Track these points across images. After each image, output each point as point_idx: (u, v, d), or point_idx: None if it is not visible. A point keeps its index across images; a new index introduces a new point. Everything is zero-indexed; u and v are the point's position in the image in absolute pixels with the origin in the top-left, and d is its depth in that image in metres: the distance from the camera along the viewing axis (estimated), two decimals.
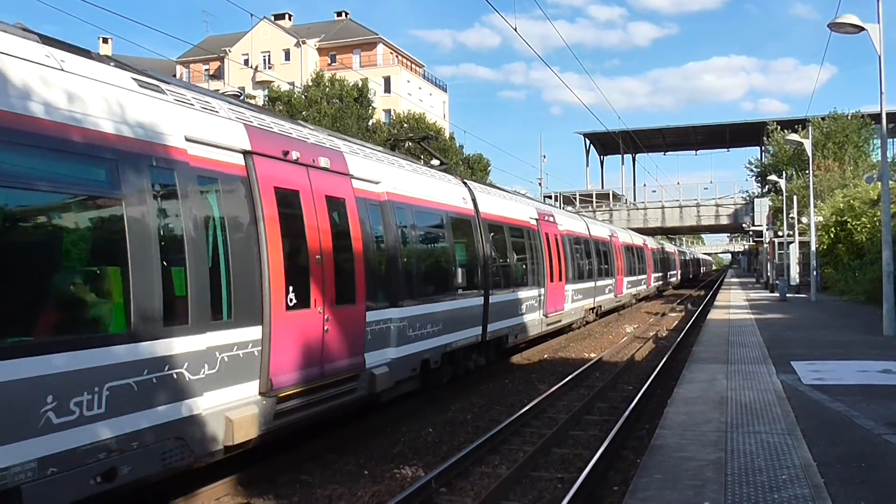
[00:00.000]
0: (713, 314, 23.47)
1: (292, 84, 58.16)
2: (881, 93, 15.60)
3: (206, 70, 79.84)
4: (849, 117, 53.34)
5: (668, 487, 5.57)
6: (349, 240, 9.36)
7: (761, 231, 47.30)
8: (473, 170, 61.18)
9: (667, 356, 16.94)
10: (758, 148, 70.74)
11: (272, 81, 61.98)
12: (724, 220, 64.59)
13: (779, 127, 56.69)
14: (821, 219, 35.43)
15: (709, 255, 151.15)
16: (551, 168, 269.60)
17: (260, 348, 7.52)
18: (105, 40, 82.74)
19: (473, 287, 13.74)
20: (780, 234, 41.52)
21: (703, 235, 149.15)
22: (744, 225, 57.26)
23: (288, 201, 8.21)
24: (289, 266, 7.99)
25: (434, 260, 12.70)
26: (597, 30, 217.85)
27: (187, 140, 6.90)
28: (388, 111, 70.00)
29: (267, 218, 7.71)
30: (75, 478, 5.47)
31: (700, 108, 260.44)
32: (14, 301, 5.20)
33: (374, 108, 55.82)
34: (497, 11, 21.25)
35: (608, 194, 69.80)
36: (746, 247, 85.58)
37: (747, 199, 62.10)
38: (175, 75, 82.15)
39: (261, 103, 71.65)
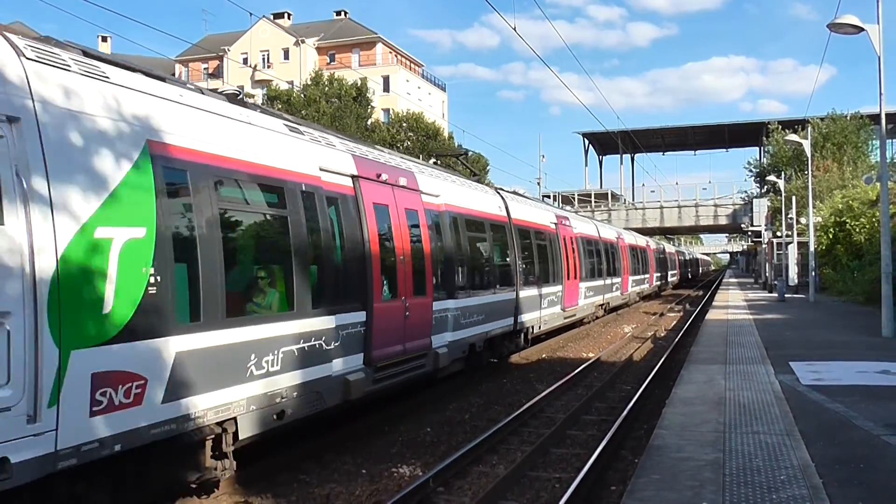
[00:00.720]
0: (711, 314, 23.47)
1: (291, 83, 58.13)
2: (880, 93, 15.61)
3: (204, 69, 79.80)
4: (848, 118, 53.38)
5: (667, 488, 5.57)
6: (421, 243, 11.44)
7: (760, 231, 47.38)
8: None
9: (665, 356, 16.94)
10: (757, 148, 70.83)
11: (271, 80, 61.97)
12: (723, 221, 64.59)
13: (780, 126, 56.69)
14: (819, 219, 35.45)
15: (707, 255, 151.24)
16: (550, 168, 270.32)
17: (364, 329, 9.48)
18: (104, 38, 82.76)
19: (508, 283, 15.87)
20: (778, 234, 41.57)
21: (701, 235, 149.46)
22: (742, 225, 57.29)
23: (381, 214, 10.26)
24: (383, 265, 10.09)
25: (479, 260, 14.79)
26: (596, 30, 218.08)
27: (320, 170, 8.97)
28: (386, 110, 69.98)
29: (369, 227, 9.73)
30: (265, 414, 7.64)
31: (699, 108, 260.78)
32: (232, 288, 7.24)
33: (372, 108, 55.86)
34: (496, 11, 21.27)
35: (607, 194, 69.73)
36: (745, 247, 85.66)
37: (746, 199, 62.10)
38: (174, 74, 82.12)
39: (259, 102, 71.68)
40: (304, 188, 8.49)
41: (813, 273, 30.64)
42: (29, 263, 5.18)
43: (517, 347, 17.09)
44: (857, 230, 32.58)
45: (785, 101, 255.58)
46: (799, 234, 37.11)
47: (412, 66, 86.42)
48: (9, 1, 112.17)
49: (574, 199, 66.12)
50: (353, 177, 9.71)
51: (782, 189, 40.54)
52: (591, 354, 18.79)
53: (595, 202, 66.93)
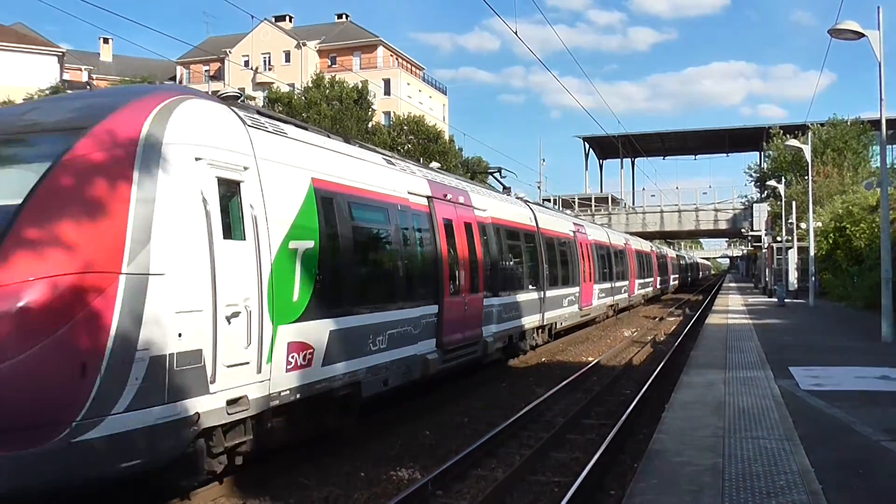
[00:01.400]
0: (711, 319, 23.46)
1: (292, 86, 58.19)
2: (881, 99, 15.59)
3: (206, 71, 79.85)
4: (848, 124, 53.38)
5: (666, 492, 5.55)
6: (475, 250, 13.67)
7: (760, 236, 47.38)
8: (473, 173, 61.20)
9: (665, 361, 16.92)
10: (757, 153, 70.82)
11: (272, 83, 62.06)
12: (723, 225, 64.58)
13: (781, 131, 56.67)
14: (819, 224, 35.44)
15: (707, 259, 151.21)
16: (550, 172, 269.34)
17: (437, 319, 11.79)
18: (105, 40, 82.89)
19: (536, 284, 18.27)
20: (778, 239, 41.56)
21: (701, 240, 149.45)
22: (742, 230, 57.28)
23: (448, 226, 12.67)
24: (450, 268, 12.43)
25: (516, 264, 16.98)
26: (596, 34, 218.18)
27: (408, 193, 11.44)
28: (387, 113, 70.02)
29: (440, 237, 12.15)
30: (377, 380, 9.96)
31: (699, 113, 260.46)
32: (361, 284, 9.90)
33: (373, 111, 55.89)
34: (497, 15, 21.23)
35: (607, 198, 69.81)
36: (745, 252, 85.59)
37: (746, 204, 62.08)
38: (175, 76, 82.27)
39: (260, 104, 71.70)
40: (399, 207, 11.07)
41: (813, 278, 30.63)
42: (257, 267, 7.43)
43: (543, 341, 19.43)
44: (857, 235, 32.54)
45: (785, 106, 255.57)
46: (799, 239, 37.11)
47: (413, 69, 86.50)
48: (10, 1, 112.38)
49: (574, 202, 66.16)
50: (428, 197, 12.17)
51: (782, 194, 40.51)
52: (590, 358, 18.78)
53: (595, 206, 66.99)
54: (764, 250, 46.08)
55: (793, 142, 32.50)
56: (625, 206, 70.68)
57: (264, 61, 79.51)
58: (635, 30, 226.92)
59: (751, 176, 65.39)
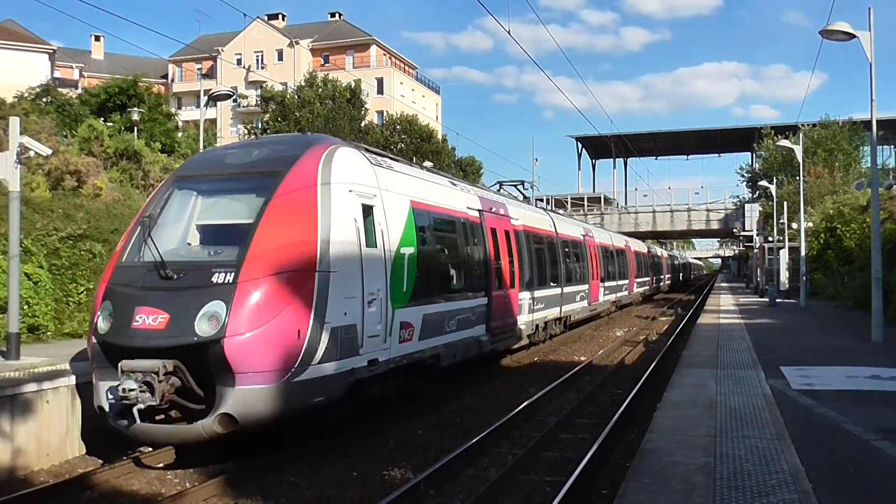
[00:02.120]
0: (703, 318, 23.51)
1: (285, 84, 58.00)
2: (872, 100, 15.61)
3: (198, 69, 79.57)
4: (839, 124, 53.60)
5: (658, 492, 5.57)
6: (512, 253, 16.64)
7: (751, 236, 47.48)
8: (466, 172, 61.13)
9: (657, 360, 16.97)
10: (749, 153, 71.06)
11: (265, 81, 61.85)
12: (715, 225, 64.73)
13: (773, 132, 56.84)
14: (811, 224, 35.58)
15: (699, 259, 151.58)
16: (543, 171, 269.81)
17: (486, 309, 14.62)
18: (97, 38, 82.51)
19: (557, 282, 21.08)
20: (770, 239, 41.66)
21: (693, 240, 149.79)
22: (734, 230, 57.48)
23: (493, 234, 15.50)
24: (496, 267, 15.30)
25: (541, 263, 19.45)
26: (589, 34, 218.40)
27: (467, 208, 14.46)
28: (380, 112, 69.96)
29: (488, 242, 15.07)
30: (449, 354, 12.77)
31: (692, 113, 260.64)
32: (440, 279, 12.66)
33: (366, 110, 55.81)
34: (490, 14, 21.28)
35: (600, 198, 69.79)
36: (736, 252, 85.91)
37: (738, 204, 62.25)
38: (167, 74, 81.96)
39: (253, 103, 71.47)
40: (462, 220, 14.05)
41: (804, 278, 30.72)
42: (384, 266, 10.33)
43: (560, 331, 22.32)
44: (848, 236, 32.67)
45: (777, 106, 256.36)
46: (790, 240, 37.22)
47: (406, 68, 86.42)
48: None
49: (567, 202, 66.18)
50: (479, 211, 15.07)
51: (774, 194, 40.62)
52: (582, 358, 18.82)
53: (588, 206, 66.97)
54: (755, 250, 46.22)
55: (784, 142, 32.57)
56: (617, 206, 70.68)
57: (257, 60, 79.28)
58: (628, 30, 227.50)
59: (742, 176, 65.69)
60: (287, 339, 8.44)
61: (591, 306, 26.55)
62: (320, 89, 50.81)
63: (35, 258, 14.95)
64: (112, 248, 17.87)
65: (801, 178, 32.63)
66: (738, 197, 65.27)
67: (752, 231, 47.37)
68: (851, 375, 11.05)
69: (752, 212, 48.46)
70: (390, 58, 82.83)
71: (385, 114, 66.50)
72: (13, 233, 11.34)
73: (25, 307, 13.40)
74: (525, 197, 23.92)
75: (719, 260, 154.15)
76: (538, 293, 18.75)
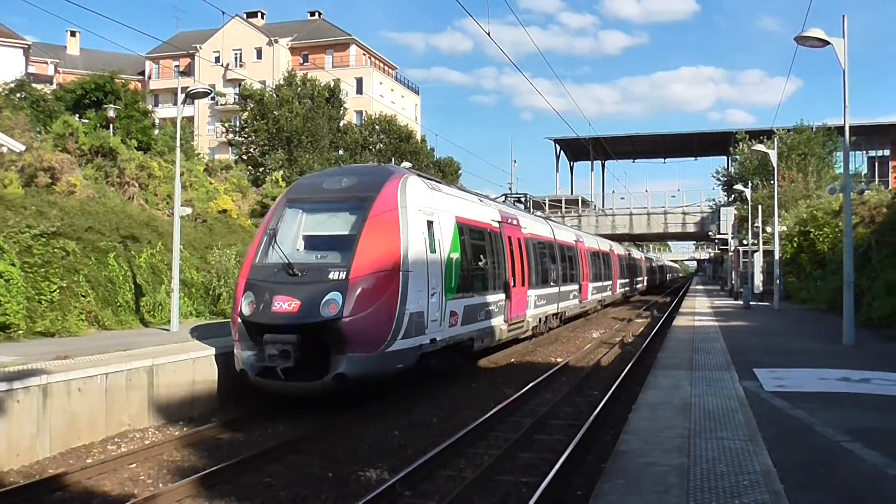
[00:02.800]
0: (678, 321, 23.69)
1: (263, 83, 57.64)
2: (845, 106, 15.83)
3: (175, 66, 78.85)
4: (813, 129, 54.24)
5: (632, 492, 5.60)
6: (523, 257, 19.64)
7: (727, 239, 47.92)
8: (444, 173, 61.13)
9: (632, 362, 17.07)
10: (725, 157, 71.64)
11: (243, 79, 61.41)
12: (691, 228, 65.18)
13: (747, 136, 57.40)
14: (784, 228, 35.97)
15: (675, 262, 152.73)
16: (522, 173, 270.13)
17: (504, 303, 17.62)
18: (73, 34, 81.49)
19: (555, 282, 24.28)
20: (744, 242, 42.06)
21: (669, 242, 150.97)
22: (710, 233, 57.92)
23: (510, 241, 18.57)
24: (511, 269, 18.28)
25: (543, 266, 22.66)
26: (568, 37, 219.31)
27: (491, 220, 17.44)
28: (359, 112, 69.73)
29: (506, 249, 18.04)
30: (480, 337, 15.72)
31: (669, 116, 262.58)
32: (474, 277, 15.62)
33: (345, 109, 55.59)
34: (470, 15, 21.42)
35: (577, 200, 70.07)
36: (712, 254, 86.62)
37: (714, 207, 62.74)
38: (144, 71, 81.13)
39: (231, 101, 70.91)
40: (488, 230, 17.15)
41: (777, 281, 31.04)
42: (440, 267, 13.26)
43: (556, 325, 25.41)
44: (821, 239, 33.11)
45: (752, 111, 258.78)
46: (765, 243, 37.59)
47: (386, 68, 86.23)
48: None
49: (545, 204, 66.34)
50: (499, 222, 18.11)
51: (749, 198, 41.01)
52: (559, 359, 18.89)
53: (566, 208, 67.18)
54: (730, 253, 46.63)
55: (759, 147, 32.98)
56: (595, 208, 70.95)
57: (235, 58, 78.69)
58: (607, 33, 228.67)
59: (718, 180, 66.16)
60: (383, 321, 11.56)
61: (582, 304, 29.78)
62: (299, 88, 50.51)
63: (7, 256, 14.74)
64: (85, 247, 17.74)
65: (776, 182, 32.97)
66: (713, 200, 65.78)
67: (727, 234, 47.82)
68: (822, 377, 11.18)
69: (728, 215, 48.92)
70: (370, 58, 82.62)
71: (364, 113, 66.28)
72: None
73: None
74: (526, 207, 27.96)
75: (695, 262, 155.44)
76: (541, 291, 21.86)
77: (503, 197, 25.00)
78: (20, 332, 14.29)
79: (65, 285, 15.92)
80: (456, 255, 14.32)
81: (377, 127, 56.75)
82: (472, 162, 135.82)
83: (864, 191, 34.06)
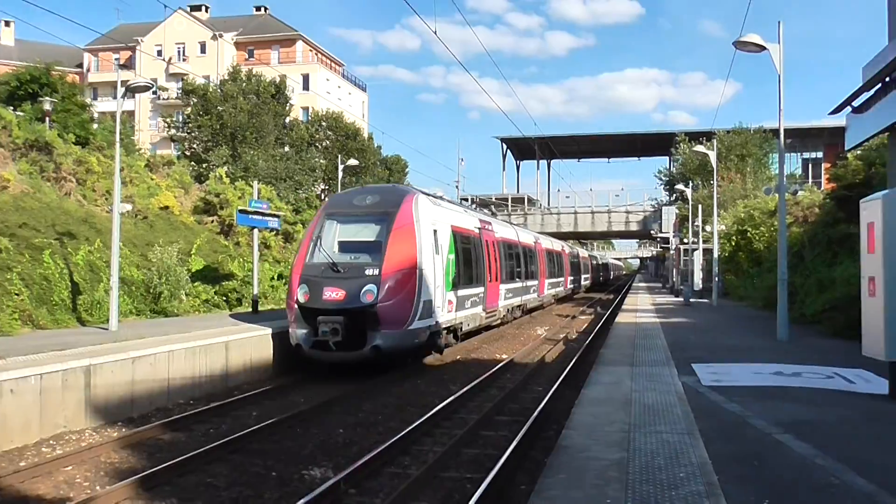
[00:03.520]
0: (621, 317, 24.09)
1: (207, 78, 56.55)
2: (780, 109, 16.29)
3: (116, 59, 76.78)
4: (751, 131, 55.68)
5: (573, 487, 5.69)
6: (495, 257, 23.13)
7: (668, 238, 48.92)
8: (392, 171, 60.92)
9: (576, 358, 17.31)
10: (667, 158, 73.10)
11: (186, 74, 60.16)
12: (634, 227, 66.39)
13: (686, 138, 58.61)
14: (723, 227, 36.84)
15: (619, 259, 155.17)
16: (469, 171, 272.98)
17: (482, 295, 21.14)
18: (7, 23, 78.76)
19: (519, 278, 28.23)
20: (685, 241, 42.96)
21: (613, 241, 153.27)
22: (652, 231, 59.05)
23: (487, 244, 22.00)
24: (488, 267, 21.82)
25: (510, 264, 26.35)
26: (515, 37, 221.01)
27: (473, 227, 21.06)
28: (306, 109, 69.05)
29: (484, 250, 21.50)
30: (465, 323, 19.66)
31: (613, 117, 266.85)
32: (462, 274, 19.14)
33: (291, 105, 54.91)
34: (417, 14, 21.34)
35: (524, 199, 70.73)
36: (654, 252, 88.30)
37: (656, 206, 64.00)
38: (82, 63, 78.86)
39: (174, 96, 69.47)
40: (472, 235, 20.60)
41: (716, 279, 31.80)
42: (443, 266, 17.18)
43: (521, 315, 29.51)
44: (758, 238, 33.99)
45: (694, 113, 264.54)
46: (704, 241, 38.49)
47: (333, 65, 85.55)
48: None
49: (492, 203, 66.68)
50: (479, 228, 21.81)
51: (690, 198, 41.92)
52: (504, 356, 19.03)
53: (512, 206, 67.75)
54: (672, 252, 47.59)
55: (699, 148, 33.69)
56: (541, 207, 71.77)
57: (178, 51, 77.08)
58: (553, 34, 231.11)
59: (661, 180, 67.67)
60: (407, 306, 15.29)
61: (540, 298, 33.83)
62: (244, 84, 49.72)
63: None
64: (19, 244, 17.20)
65: (715, 182, 33.78)
66: (656, 200, 67.19)
67: (668, 233, 48.80)
68: (757, 372, 11.51)
69: (669, 214, 49.92)
70: (317, 54, 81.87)
71: (311, 110, 65.61)
72: None
73: None
74: (492, 213, 34.24)
75: (638, 261, 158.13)
76: (509, 286, 25.75)
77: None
78: None
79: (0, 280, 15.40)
80: (452, 257, 18.14)
81: (324, 124, 56.21)
82: (419, 160, 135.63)
83: (798, 191, 35.09)
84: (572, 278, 48.49)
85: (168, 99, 72.37)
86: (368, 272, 15.07)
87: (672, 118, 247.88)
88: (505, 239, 25.81)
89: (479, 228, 21.67)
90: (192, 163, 44.40)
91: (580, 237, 78.79)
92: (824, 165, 62.57)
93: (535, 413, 11.05)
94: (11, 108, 30.96)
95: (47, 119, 30.32)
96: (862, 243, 9.59)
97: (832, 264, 21.30)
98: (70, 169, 24.87)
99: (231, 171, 39.48)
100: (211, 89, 49.91)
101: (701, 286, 36.81)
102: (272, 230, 26.68)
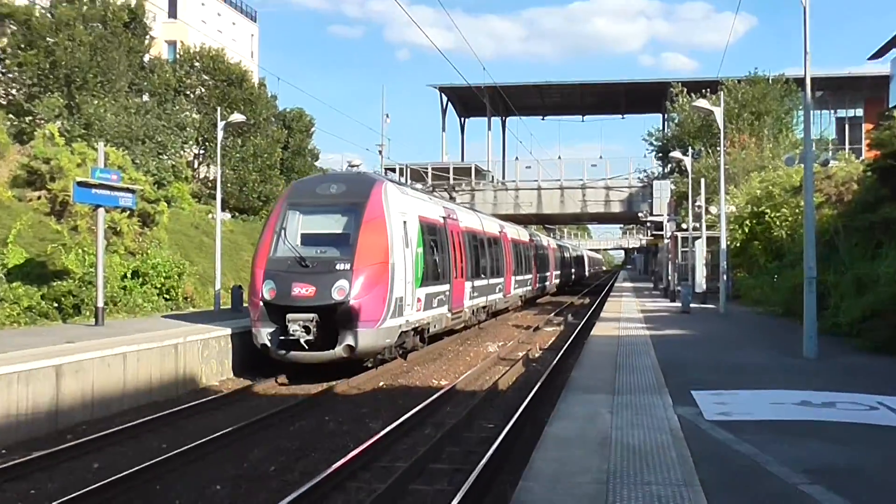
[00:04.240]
0: (599, 329, 24.27)
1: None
2: (805, 51, 16.41)
3: None
4: (769, 81, 56.35)
5: None
6: (461, 250, 27.41)
7: (661, 223, 49.35)
8: (291, 129, 60.27)
9: (539, 384, 17.40)
10: (659, 116, 74.03)
11: None
12: (616, 208, 66.64)
13: (685, 89, 59.05)
14: (733, 209, 37.10)
15: (597, 251, 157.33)
16: (396, 132, 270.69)
17: (448, 293, 25.49)
18: None
19: (485, 274, 31.86)
20: (684, 226, 43.32)
21: (589, 226, 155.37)
22: (640, 214, 59.47)
23: (452, 235, 26.46)
24: (454, 260, 26.33)
25: (475, 258, 30.10)
26: None
27: (439, 216, 25.70)
28: (172, 43, 67.83)
29: (449, 242, 26.01)
30: (432, 324, 24.28)
31: (589, 60, 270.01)
32: (429, 269, 23.40)
33: (152, 39, 53.84)
34: None
35: (470, 169, 70.10)
36: (643, 242, 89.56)
37: (645, 181, 64.46)
38: None
39: None
40: (438, 226, 24.84)
41: (724, 277, 32.02)
42: (413, 260, 21.30)
43: (485, 318, 33.43)
44: (778, 223, 34.12)
45: (694, 55, 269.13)
46: (708, 228, 38.70)
47: None
48: None
49: (428, 174, 66.14)
50: (444, 217, 25.65)
51: (689, 168, 42.13)
52: (443, 382, 19.06)
53: (455, 178, 66.79)
54: (666, 241, 47.99)
55: (702, 102, 33.79)
56: (493, 181, 71.56)
57: None
58: None
59: (651, 144, 67.94)
60: (379, 303, 18.72)
61: (506, 299, 37.41)
62: (85, 7, 48.48)
63: None
64: None
65: (723, 148, 33.80)
66: (645, 172, 67.73)
67: (661, 216, 49.16)
68: (777, 402, 11.68)
69: (663, 191, 50.15)
70: None
71: (179, 45, 64.44)
72: None
73: None
74: (451, 197, 36.56)
75: (622, 253, 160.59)
76: (475, 283, 29.52)
77: (432, 188, 35.86)
78: None
79: None
80: (420, 250, 21.80)
81: (197, 64, 55.26)
82: (329, 116, 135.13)
83: (830, 161, 35.72)
84: (540, 276, 51.37)
85: None
86: (339, 266, 18.55)
87: (665, 62, 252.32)
88: (469, 229, 29.80)
89: (444, 217, 25.77)
90: (10, 115, 43.11)
91: (545, 221, 79.43)
92: (865, 126, 64.19)
93: (485, 459, 11.05)
94: None
95: None
96: None
97: (874, 257, 21.67)
98: None
99: (67, 129, 38.51)
100: (38, 13, 48.53)
101: (704, 287, 37.29)
102: (125, 210, 26.16)
